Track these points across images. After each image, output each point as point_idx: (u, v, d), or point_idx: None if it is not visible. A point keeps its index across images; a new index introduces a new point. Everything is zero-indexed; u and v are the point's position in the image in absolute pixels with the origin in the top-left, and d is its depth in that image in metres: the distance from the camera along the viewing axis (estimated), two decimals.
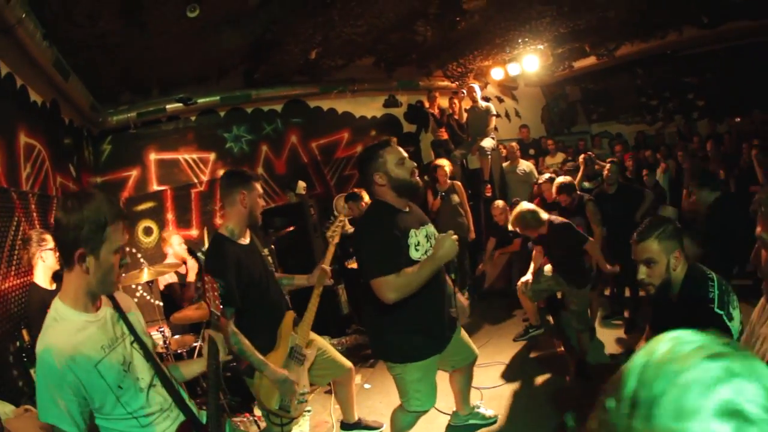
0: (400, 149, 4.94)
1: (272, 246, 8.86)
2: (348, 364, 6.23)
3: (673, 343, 1.22)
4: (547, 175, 9.75)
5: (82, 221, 2.93)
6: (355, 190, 9.87)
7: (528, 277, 8.38)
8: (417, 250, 4.80)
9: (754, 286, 5.77)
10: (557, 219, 7.83)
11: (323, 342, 6.09)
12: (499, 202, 11.10)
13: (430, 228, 5.12)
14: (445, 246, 4.57)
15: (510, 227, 8.18)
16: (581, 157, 12.65)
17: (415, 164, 5.01)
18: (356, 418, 6.68)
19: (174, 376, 3.64)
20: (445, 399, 6.47)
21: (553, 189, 9.41)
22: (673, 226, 4.07)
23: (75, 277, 3.04)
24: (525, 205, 7.75)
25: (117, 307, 3.36)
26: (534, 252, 8.59)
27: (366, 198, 9.48)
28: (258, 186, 5.45)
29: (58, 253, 5.71)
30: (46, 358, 2.85)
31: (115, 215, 3.04)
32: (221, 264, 5.03)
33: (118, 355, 3.16)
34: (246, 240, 5.43)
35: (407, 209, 5.02)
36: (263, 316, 5.39)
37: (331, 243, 6.30)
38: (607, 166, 9.63)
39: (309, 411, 7.49)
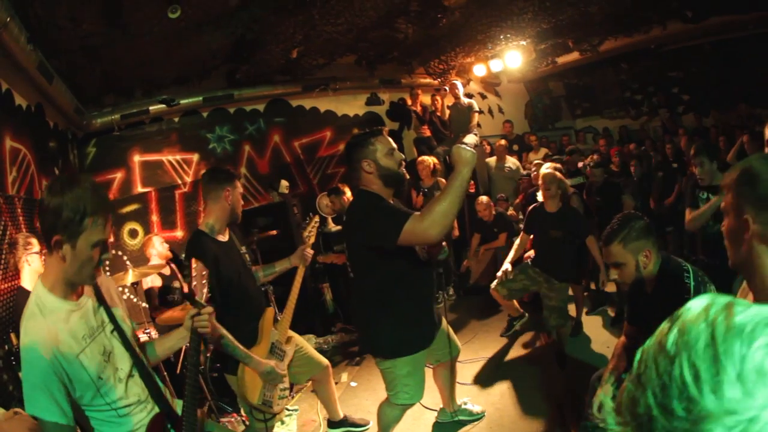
0: (390, 140, 4.96)
1: (253, 247, 8.81)
2: (325, 361, 6.30)
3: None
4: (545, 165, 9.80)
5: (61, 207, 2.92)
6: (338, 185, 9.86)
7: (506, 266, 8.39)
8: None
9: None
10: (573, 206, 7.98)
11: (300, 339, 6.16)
12: (483, 198, 11.15)
13: None
14: (463, 156, 4.14)
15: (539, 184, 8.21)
16: (568, 150, 12.76)
17: (404, 156, 5.04)
18: (341, 416, 6.70)
19: (150, 359, 3.67)
20: (432, 395, 6.52)
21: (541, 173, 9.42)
22: (640, 225, 4.13)
23: (53, 263, 3.06)
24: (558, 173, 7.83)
25: (99, 295, 3.40)
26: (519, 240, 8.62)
27: (348, 193, 9.51)
28: (239, 184, 5.57)
29: (43, 258, 5.75)
30: (33, 348, 2.88)
31: (97, 208, 3.02)
32: (199, 258, 4.88)
33: (99, 345, 3.20)
34: (225, 237, 5.52)
35: (391, 201, 5.00)
36: (243, 313, 5.45)
37: (307, 243, 6.28)
38: (588, 168, 9.73)
39: (296, 410, 7.51)
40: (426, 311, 5.17)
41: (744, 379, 0.99)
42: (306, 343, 6.22)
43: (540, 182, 8.42)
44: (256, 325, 5.52)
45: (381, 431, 5.66)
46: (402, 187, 5.19)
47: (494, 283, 8.47)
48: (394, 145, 4.95)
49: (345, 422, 6.71)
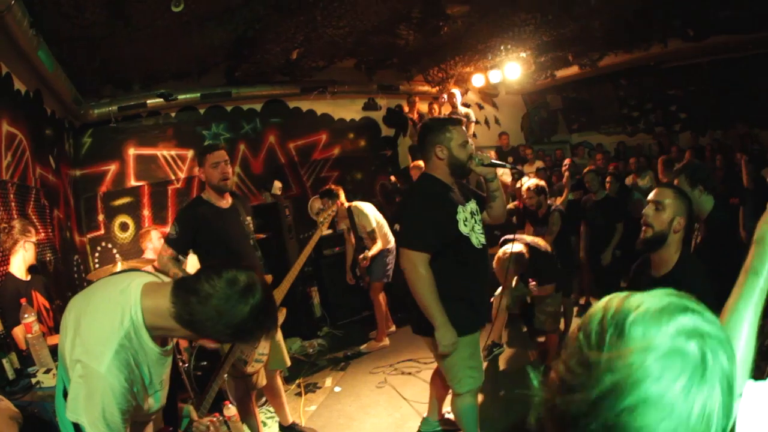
0: (465, 132, 5.06)
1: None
2: (287, 362, 6.56)
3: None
4: (531, 181, 9.73)
5: None
6: (332, 186, 9.81)
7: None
8: (465, 225, 4.91)
9: None
10: (541, 246, 7.90)
11: (279, 334, 6.34)
12: None
13: (474, 204, 5.21)
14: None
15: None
16: (566, 162, 12.68)
17: (474, 150, 5.12)
18: (290, 421, 6.76)
19: None
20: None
21: (524, 189, 9.35)
22: (689, 200, 4.23)
23: None
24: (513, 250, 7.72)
25: None
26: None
27: (342, 196, 9.50)
28: (211, 157, 5.85)
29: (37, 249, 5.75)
30: None
31: None
32: (183, 215, 5.90)
33: None
34: (225, 204, 5.94)
35: (454, 187, 5.10)
36: None
37: (320, 228, 6.61)
38: (586, 176, 9.71)
39: None
40: (481, 293, 5.25)
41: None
42: (281, 338, 6.40)
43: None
44: None
45: (466, 428, 5.47)
46: (465, 178, 5.32)
47: (498, 290, 8.46)
48: (468, 138, 5.05)
49: (293, 429, 6.76)
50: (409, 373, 8.39)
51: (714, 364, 1.19)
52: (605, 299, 1.36)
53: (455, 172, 5.03)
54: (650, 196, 4.30)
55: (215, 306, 2.59)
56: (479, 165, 4.99)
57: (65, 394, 2.75)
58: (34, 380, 4.62)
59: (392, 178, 14.05)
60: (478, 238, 5.04)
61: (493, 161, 5.12)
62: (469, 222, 4.96)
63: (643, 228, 4.16)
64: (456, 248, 4.87)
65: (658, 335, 1.20)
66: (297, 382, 8.54)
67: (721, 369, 1.20)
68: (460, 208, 4.93)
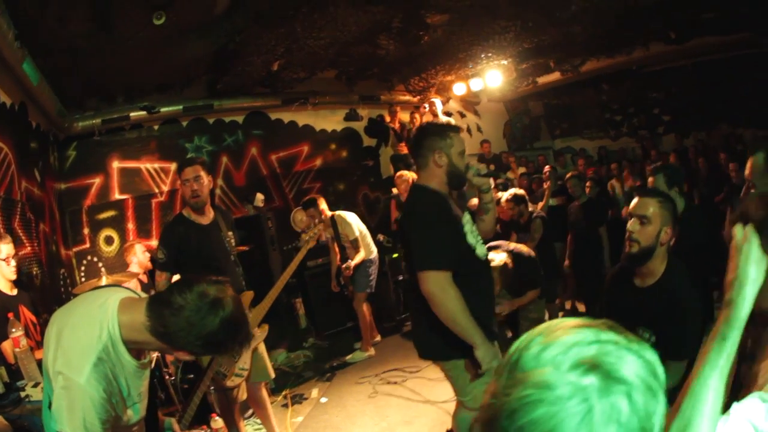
0: (464, 141, 4.81)
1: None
2: (271, 374, 6.59)
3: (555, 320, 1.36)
4: (509, 192, 9.70)
5: None
6: (314, 196, 9.83)
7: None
8: (471, 236, 4.69)
9: None
10: (524, 252, 7.88)
11: (262, 346, 6.37)
12: None
13: (468, 216, 4.90)
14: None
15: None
16: (546, 169, 12.65)
17: (468, 161, 4.89)
18: None
19: None
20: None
21: (503, 201, 9.33)
22: (674, 204, 4.05)
23: None
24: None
25: None
26: None
27: (323, 204, 9.52)
28: (183, 174, 5.94)
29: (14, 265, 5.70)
30: None
31: None
32: (165, 236, 6.08)
33: None
34: (205, 220, 6.00)
35: (449, 198, 4.79)
36: None
37: (304, 246, 6.63)
38: (568, 181, 9.77)
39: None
40: (488, 307, 4.92)
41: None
42: (264, 351, 6.43)
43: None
44: None
45: None
46: (461, 189, 5.13)
47: None
48: (465, 147, 4.80)
49: None
50: (395, 383, 8.43)
51: (604, 408, 1.16)
52: (533, 329, 1.36)
53: (452, 181, 4.71)
54: (631, 207, 4.05)
55: (187, 317, 2.70)
56: (476, 175, 4.78)
57: (50, 406, 2.83)
58: (23, 394, 4.62)
59: (394, 190, 13.99)
60: (481, 249, 4.80)
61: (489, 171, 5.03)
62: (473, 233, 4.75)
63: (628, 243, 4.02)
64: (464, 261, 4.54)
65: (548, 369, 1.21)
66: (283, 393, 8.55)
67: (614, 413, 1.17)
68: (463, 219, 4.70)
